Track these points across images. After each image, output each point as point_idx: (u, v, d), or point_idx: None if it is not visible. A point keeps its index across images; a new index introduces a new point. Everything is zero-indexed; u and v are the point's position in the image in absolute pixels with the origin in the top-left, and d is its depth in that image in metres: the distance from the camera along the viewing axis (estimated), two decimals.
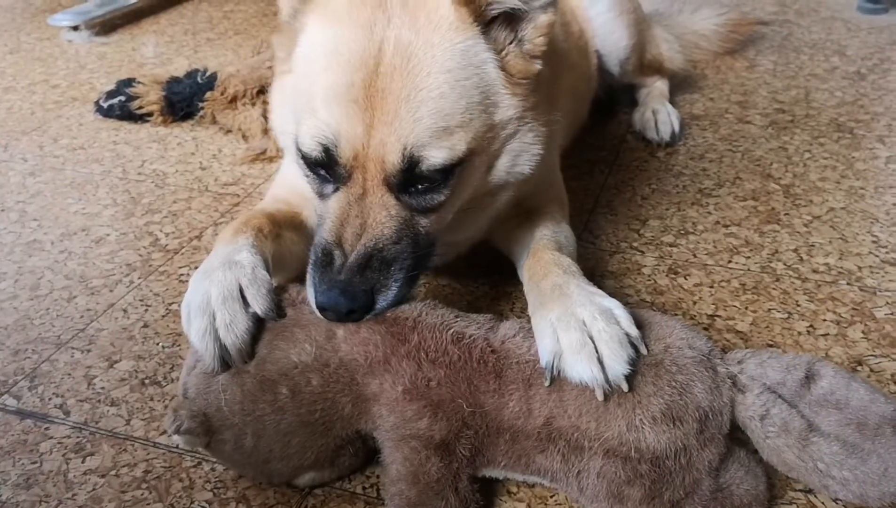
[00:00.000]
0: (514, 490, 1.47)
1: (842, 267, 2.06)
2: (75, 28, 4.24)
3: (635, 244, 2.20)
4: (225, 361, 1.38)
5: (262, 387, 1.39)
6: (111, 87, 3.26)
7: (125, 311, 1.99)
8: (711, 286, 2.00)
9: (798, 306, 1.92)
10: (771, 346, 1.78)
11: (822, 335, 1.81)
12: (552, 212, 1.83)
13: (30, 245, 2.30)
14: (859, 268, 2.05)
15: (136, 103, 3.10)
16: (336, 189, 1.48)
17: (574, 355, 1.32)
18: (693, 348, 1.36)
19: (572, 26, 2.48)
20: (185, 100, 3.10)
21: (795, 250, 2.14)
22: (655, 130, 2.80)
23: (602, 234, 2.25)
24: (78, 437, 1.62)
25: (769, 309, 1.91)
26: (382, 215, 1.45)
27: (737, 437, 1.38)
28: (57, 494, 1.49)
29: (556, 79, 1.78)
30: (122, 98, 3.14)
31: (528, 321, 1.46)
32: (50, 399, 1.72)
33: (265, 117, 2.89)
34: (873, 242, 2.16)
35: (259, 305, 1.41)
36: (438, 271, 2.00)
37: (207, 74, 3.20)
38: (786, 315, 1.88)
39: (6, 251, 2.28)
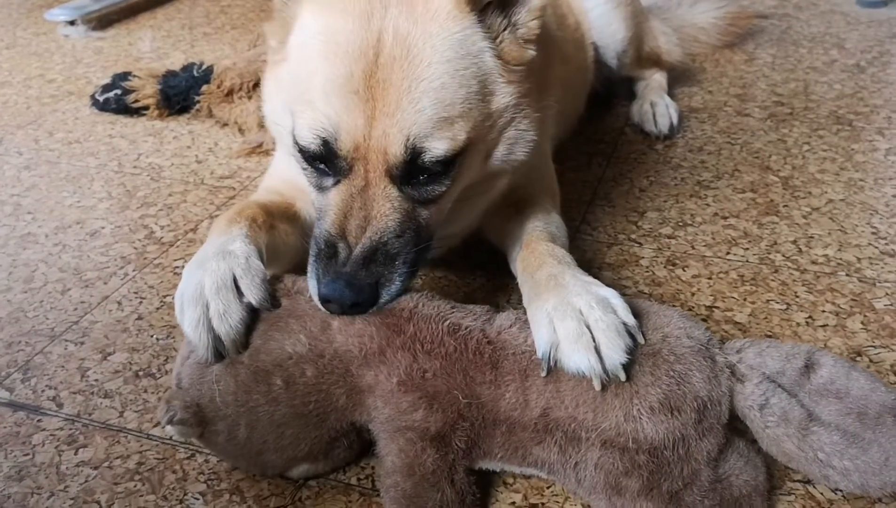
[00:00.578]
0: (511, 481, 1.46)
1: (841, 258, 2.04)
2: (72, 23, 4.22)
3: (633, 236, 2.18)
4: (219, 351, 1.37)
5: (256, 378, 1.38)
6: (107, 80, 3.24)
7: (119, 303, 1.98)
8: (710, 278, 1.98)
9: (797, 297, 1.90)
10: (770, 337, 1.77)
11: (821, 326, 1.80)
12: (543, 202, 1.81)
13: (24, 238, 2.29)
14: (858, 259, 2.04)
15: (131, 97, 3.09)
16: (337, 182, 1.46)
17: (571, 344, 1.31)
18: (691, 337, 1.35)
19: (568, 18, 2.46)
20: (181, 93, 3.09)
21: (794, 242, 2.12)
22: (654, 123, 2.79)
23: (600, 226, 2.24)
24: (71, 429, 1.60)
25: (768, 300, 1.89)
26: (386, 208, 1.43)
27: (736, 427, 1.37)
28: (49, 486, 1.47)
29: (548, 66, 1.76)
30: (118, 92, 3.12)
31: (525, 313, 1.44)
32: (43, 391, 1.70)
33: (261, 111, 2.87)
34: (872, 233, 2.15)
35: (253, 295, 1.40)
36: (435, 264, 1.99)
37: (204, 67, 3.18)
38: (784, 307, 1.87)
39: (0, 244, 2.26)
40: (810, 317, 1.83)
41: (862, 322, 1.81)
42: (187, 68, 3.21)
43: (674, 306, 1.83)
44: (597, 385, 1.29)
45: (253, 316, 1.41)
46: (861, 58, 3.45)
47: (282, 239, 1.64)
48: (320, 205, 1.50)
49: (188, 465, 1.51)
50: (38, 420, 1.63)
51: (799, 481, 1.42)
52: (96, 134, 2.98)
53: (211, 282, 1.39)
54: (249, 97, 2.98)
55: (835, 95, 3.07)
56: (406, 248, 1.45)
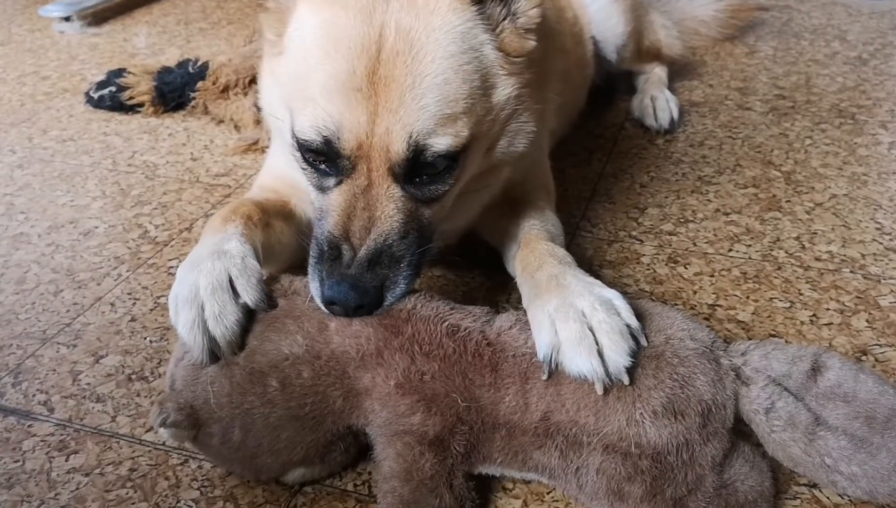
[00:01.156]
0: (511, 486, 1.43)
1: (845, 255, 2.01)
2: (66, 19, 4.20)
3: (634, 233, 2.15)
4: (214, 353, 1.34)
5: (251, 379, 1.35)
6: (102, 77, 3.22)
7: (112, 305, 1.95)
8: (712, 275, 1.95)
9: (801, 295, 1.87)
10: (773, 336, 1.74)
11: (825, 325, 1.77)
12: (538, 200, 1.78)
13: (16, 238, 2.26)
14: (863, 256, 2.01)
15: (126, 94, 3.06)
16: (339, 182, 1.43)
17: (573, 347, 1.28)
18: (695, 339, 1.32)
19: (567, 12, 2.43)
20: (176, 90, 3.06)
21: (797, 238, 2.09)
22: (654, 118, 2.76)
23: (600, 223, 2.20)
24: (62, 434, 1.57)
25: (771, 298, 1.86)
26: (390, 208, 1.40)
27: (741, 431, 1.34)
28: (39, 494, 1.45)
29: (548, 58, 1.74)
30: (113, 89, 3.09)
31: (525, 314, 1.41)
32: (34, 396, 1.67)
33: (257, 107, 2.85)
34: (877, 229, 2.12)
35: (249, 295, 1.37)
36: (433, 262, 1.95)
37: (199, 63, 3.15)
38: (788, 304, 1.84)
39: None
40: (814, 315, 1.80)
41: (867, 320, 1.78)
42: (183, 65, 3.18)
43: (675, 304, 1.81)
44: (599, 390, 1.26)
45: (249, 317, 1.38)
46: (863, 50, 3.42)
47: (277, 238, 1.62)
48: (321, 205, 1.46)
49: (181, 471, 1.48)
50: (29, 426, 1.60)
51: (805, 485, 1.39)
52: (91, 132, 2.95)
53: (206, 283, 1.36)
54: (245, 94, 2.95)
55: (837, 88, 3.04)
56: (410, 249, 1.42)
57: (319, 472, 1.44)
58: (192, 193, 2.47)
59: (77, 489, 1.45)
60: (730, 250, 2.06)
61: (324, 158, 1.42)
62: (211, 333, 1.33)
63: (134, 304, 1.94)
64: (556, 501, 1.40)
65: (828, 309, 1.82)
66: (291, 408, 1.35)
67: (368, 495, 1.42)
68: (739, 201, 2.29)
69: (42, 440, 1.56)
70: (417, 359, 1.34)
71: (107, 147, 2.81)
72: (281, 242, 1.62)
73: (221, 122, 2.95)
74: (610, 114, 2.93)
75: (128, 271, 2.08)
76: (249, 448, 1.36)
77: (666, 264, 2.01)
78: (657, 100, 2.81)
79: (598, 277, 1.45)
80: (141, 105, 3.06)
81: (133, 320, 1.89)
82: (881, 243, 2.05)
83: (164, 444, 1.52)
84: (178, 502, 1.41)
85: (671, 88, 2.94)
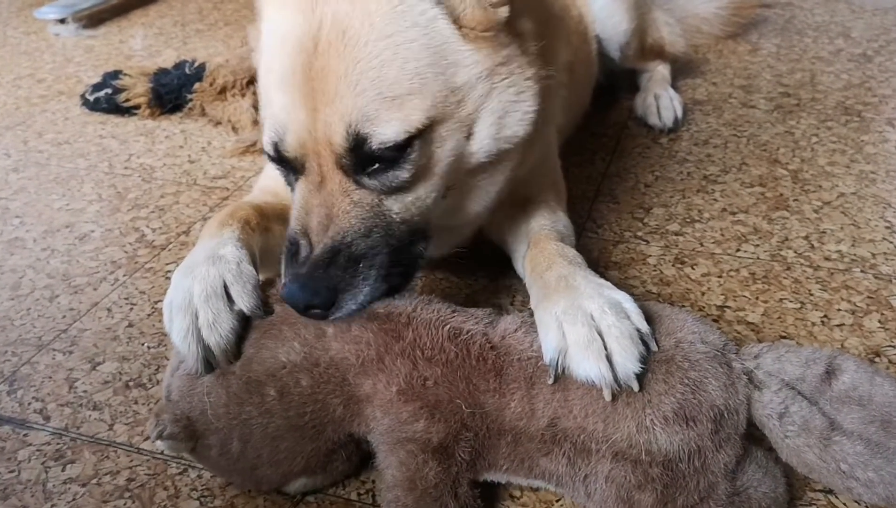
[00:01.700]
0: (518, 494, 1.40)
1: (855, 254, 1.98)
2: (62, 21, 4.17)
3: (639, 234, 2.12)
4: (209, 362, 1.31)
5: (248, 389, 1.32)
6: (98, 79, 3.18)
7: (109, 310, 1.91)
8: (720, 276, 1.92)
9: (811, 295, 1.84)
10: (784, 338, 1.70)
11: (837, 326, 1.74)
12: (549, 200, 1.74)
13: (11, 243, 2.23)
14: (873, 255, 1.97)
15: (122, 96, 3.03)
16: (297, 179, 1.41)
17: (581, 351, 1.24)
18: (706, 342, 1.28)
19: (571, 10, 2.40)
20: (173, 92, 3.03)
21: (806, 238, 2.06)
22: (658, 116, 2.73)
23: (605, 223, 2.17)
24: (58, 443, 1.54)
25: (781, 299, 1.83)
26: (346, 203, 1.36)
27: (753, 436, 1.30)
28: (35, 505, 1.41)
29: (547, 35, 1.63)
30: (109, 91, 3.06)
31: (530, 316, 1.37)
32: (29, 404, 1.64)
33: (255, 108, 2.82)
34: (886, 227, 2.09)
35: (245, 302, 1.34)
36: (435, 265, 1.92)
37: (196, 64, 3.12)
38: (798, 305, 1.81)
39: None
40: (826, 316, 1.77)
41: (879, 321, 1.74)
42: (179, 66, 3.16)
43: (684, 306, 1.78)
44: (607, 396, 1.23)
45: (245, 324, 1.35)
46: (868, 47, 3.39)
47: (276, 242, 1.57)
48: (293, 202, 1.44)
49: (180, 481, 1.44)
50: (25, 435, 1.57)
51: (820, 491, 1.36)
52: (86, 134, 2.91)
53: (200, 289, 1.33)
54: (243, 95, 2.93)
55: (842, 86, 3.00)
56: (374, 250, 1.37)
57: (321, 481, 1.40)
58: (189, 195, 2.44)
59: (74, 499, 1.42)
60: (737, 250, 2.02)
61: (277, 160, 1.42)
62: (205, 341, 1.30)
63: (131, 309, 1.91)
64: None
65: (839, 310, 1.79)
66: (290, 417, 1.32)
67: (372, 504, 1.39)
68: (746, 200, 2.25)
69: (38, 450, 1.53)
70: (420, 364, 1.30)
71: (103, 150, 2.78)
72: (281, 245, 1.58)
73: (219, 123, 2.91)
74: (613, 113, 2.90)
75: (125, 275, 2.05)
76: (249, 458, 1.33)
77: (673, 265, 1.97)
78: (661, 98, 2.77)
79: (603, 278, 1.41)
80: (137, 107, 3.02)
81: (130, 325, 1.85)
82: (891, 243, 2.02)
83: (162, 453, 1.49)
84: None
85: (674, 87, 2.91)
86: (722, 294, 1.85)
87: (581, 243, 2.06)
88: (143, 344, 1.79)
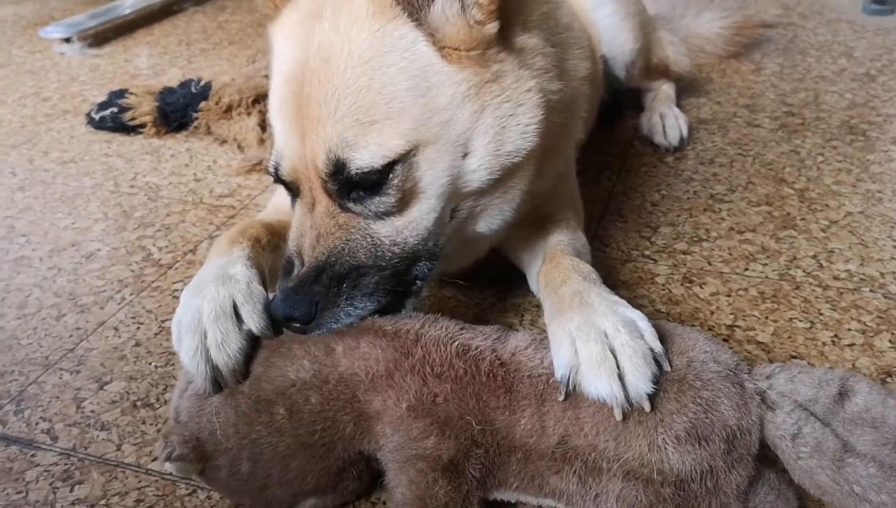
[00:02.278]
0: None
1: (864, 273, 1.97)
2: (67, 40, 4.19)
3: (647, 252, 2.11)
4: (218, 382, 1.30)
5: (257, 408, 1.31)
6: (103, 98, 3.19)
7: (116, 329, 1.91)
8: (729, 295, 1.91)
9: (820, 314, 1.83)
10: (795, 357, 1.70)
11: (847, 346, 1.73)
12: (568, 219, 1.74)
13: (17, 262, 2.22)
14: (882, 274, 1.97)
15: (128, 115, 3.04)
16: (295, 201, 1.46)
17: (593, 369, 1.24)
18: (718, 362, 1.28)
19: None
20: (178, 110, 3.04)
21: (814, 257, 2.05)
22: (663, 135, 2.73)
23: (612, 242, 2.17)
24: (66, 464, 1.53)
25: (790, 318, 1.82)
26: (331, 225, 1.39)
27: (765, 457, 1.29)
28: None
29: (561, 47, 1.60)
30: (115, 109, 3.07)
31: (540, 333, 1.37)
32: (37, 424, 1.63)
33: (261, 127, 2.83)
34: (894, 247, 2.08)
35: (254, 322, 1.34)
36: (443, 282, 1.92)
37: (202, 83, 3.13)
38: (808, 325, 1.80)
39: None
40: (836, 336, 1.76)
41: (890, 341, 1.74)
42: (185, 85, 3.16)
43: (693, 325, 1.77)
44: (618, 415, 1.22)
45: (253, 344, 1.35)
46: (871, 66, 3.40)
47: None
48: None
49: (189, 502, 1.43)
50: (32, 455, 1.56)
51: None
52: (92, 153, 2.92)
53: (209, 309, 1.33)
54: (248, 113, 2.93)
55: (846, 105, 3.01)
56: (360, 271, 1.39)
57: (332, 501, 1.39)
58: (195, 214, 2.44)
59: None
60: (746, 269, 2.02)
61: (280, 183, 1.48)
62: (214, 361, 1.30)
63: (138, 328, 1.90)
64: None
65: (849, 329, 1.78)
66: (300, 436, 1.31)
67: None
68: (753, 219, 2.25)
69: (45, 470, 1.52)
70: (429, 381, 1.30)
71: (109, 169, 2.78)
72: None
73: (224, 142, 2.92)
74: (618, 131, 2.90)
75: (131, 294, 2.04)
76: (259, 479, 1.32)
77: (681, 284, 1.97)
78: (666, 117, 2.77)
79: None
80: (143, 126, 3.03)
81: (137, 344, 1.85)
82: None
83: (170, 474, 1.48)
84: None
85: (679, 106, 2.91)
86: (731, 313, 1.85)
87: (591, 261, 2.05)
88: (150, 363, 1.78)
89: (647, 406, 1.21)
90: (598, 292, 1.40)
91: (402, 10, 1.36)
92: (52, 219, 2.45)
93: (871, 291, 1.91)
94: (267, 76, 2.17)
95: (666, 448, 1.21)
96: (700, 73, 3.36)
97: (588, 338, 1.28)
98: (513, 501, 1.36)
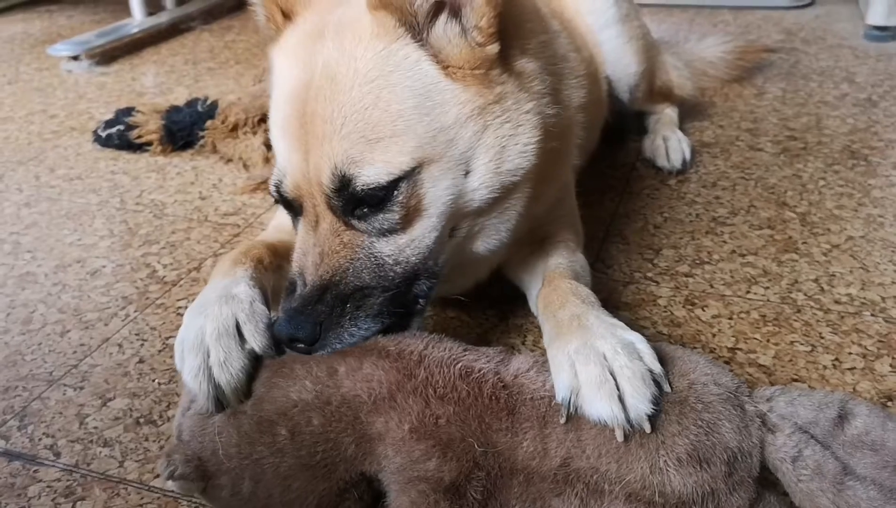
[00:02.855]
0: None
1: (865, 298, 1.98)
2: (75, 58, 4.22)
3: (649, 274, 2.12)
4: (220, 401, 1.31)
5: (259, 428, 1.31)
6: (110, 116, 3.21)
7: (120, 346, 1.91)
8: (730, 318, 1.92)
9: (822, 338, 1.84)
10: (796, 380, 1.70)
11: (848, 369, 1.73)
12: (567, 240, 1.75)
13: (23, 278, 2.23)
14: (883, 299, 1.97)
15: (135, 133, 3.06)
16: (297, 219, 1.48)
17: (593, 391, 1.24)
18: (719, 384, 1.28)
19: (583, 52, 2.42)
20: (184, 129, 3.06)
21: (816, 280, 2.06)
22: (666, 158, 2.74)
23: (615, 264, 2.18)
24: (68, 480, 1.54)
25: (792, 342, 1.83)
26: (336, 243, 1.40)
27: (766, 480, 1.29)
28: None
29: (557, 76, 1.65)
30: (121, 127, 3.09)
31: (542, 355, 1.38)
32: (40, 440, 1.64)
33: (266, 146, 2.85)
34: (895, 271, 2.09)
35: (257, 342, 1.35)
36: (446, 302, 1.93)
37: (208, 102, 3.15)
38: (809, 348, 1.80)
39: None
40: (837, 359, 1.76)
41: (891, 365, 1.74)
42: (191, 104, 3.19)
43: (695, 348, 1.78)
44: (619, 436, 1.22)
45: (256, 363, 1.35)
46: (872, 92, 3.41)
47: None
48: None
49: None
50: (35, 471, 1.56)
51: None
52: (98, 170, 2.93)
53: (212, 328, 1.34)
54: (254, 133, 2.95)
55: (848, 130, 3.02)
56: (365, 290, 1.40)
57: None
58: (200, 232, 2.45)
59: None
60: (748, 292, 2.02)
61: (282, 203, 1.49)
62: (216, 380, 1.30)
63: (142, 345, 1.91)
64: None
65: (850, 353, 1.78)
66: (302, 457, 1.31)
67: None
68: (755, 242, 2.26)
69: (48, 486, 1.52)
70: (432, 402, 1.30)
71: (114, 186, 2.80)
72: None
73: (230, 161, 2.93)
74: (621, 154, 2.91)
75: (136, 311, 2.05)
76: (260, 499, 1.32)
77: (683, 307, 1.97)
78: (669, 140, 2.79)
79: (615, 318, 1.42)
80: (149, 144, 3.05)
81: (141, 361, 1.85)
82: None
83: (173, 491, 1.48)
84: None
85: (681, 129, 2.92)
86: (733, 336, 1.85)
87: (591, 283, 2.06)
88: (153, 380, 1.79)
89: (647, 427, 1.22)
90: (596, 314, 1.41)
91: (406, 30, 1.39)
92: (57, 235, 2.47)
93: (872, 315, 1.91)
94: None
95: (668, 469, 1.21)
96: (703, 96, 3.38)
97: (587, 361, 1.28)
98: None
